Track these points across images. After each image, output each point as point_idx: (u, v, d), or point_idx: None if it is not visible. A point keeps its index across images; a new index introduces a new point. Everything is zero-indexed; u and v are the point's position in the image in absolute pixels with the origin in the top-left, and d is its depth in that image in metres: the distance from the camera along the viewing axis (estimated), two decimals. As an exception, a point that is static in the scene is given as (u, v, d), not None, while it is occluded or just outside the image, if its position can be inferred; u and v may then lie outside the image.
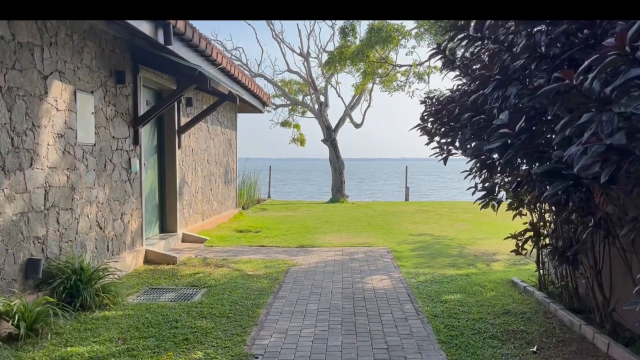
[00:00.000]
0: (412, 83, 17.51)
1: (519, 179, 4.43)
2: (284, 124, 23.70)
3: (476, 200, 6.47)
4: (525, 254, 6.24)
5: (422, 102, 5.08)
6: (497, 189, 5.26)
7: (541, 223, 5.91)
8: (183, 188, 10.14)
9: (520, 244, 6.24)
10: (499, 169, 4.14)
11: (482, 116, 3.59)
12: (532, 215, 6.26)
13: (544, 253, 6.10)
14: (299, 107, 23.24)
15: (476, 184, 6.54)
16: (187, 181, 10.40)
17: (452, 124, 4.35)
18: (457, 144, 4.42)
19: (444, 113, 4.30)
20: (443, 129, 4.57)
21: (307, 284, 6.73)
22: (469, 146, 4.02)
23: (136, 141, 7.91)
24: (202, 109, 10.73)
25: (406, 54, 18.86)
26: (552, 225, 5.35)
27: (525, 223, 6.32)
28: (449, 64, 4.87)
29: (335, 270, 7.55)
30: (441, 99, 4.92)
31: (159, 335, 4.69)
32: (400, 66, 16.24)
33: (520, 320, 5.15)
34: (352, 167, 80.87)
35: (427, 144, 5.00)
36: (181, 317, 5.23)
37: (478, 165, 4.44)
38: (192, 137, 10.71)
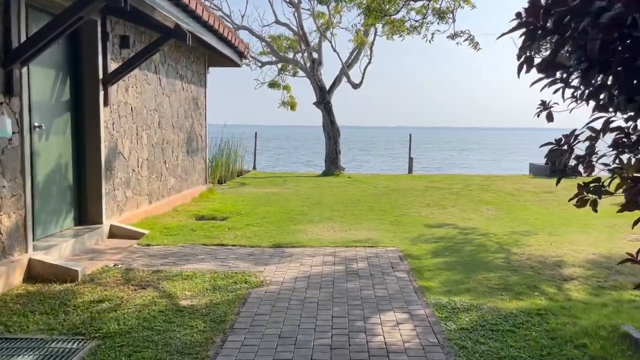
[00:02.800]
0: (430, 24, 14.08)
1: None
2: (272, 84, 20.62)
3: (572, 198, 3.72)
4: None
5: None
6: None
7: None
8: (114, 161, 7.26)
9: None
10: None
11: None
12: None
13: None
14: (289, 66, 20.16)
15: (565, 164, 3.78)
16: (123, 152, 7.51)
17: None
18: None
19: None
20: None
21: (272, 333, 3.94)
22: None
23: (9, 89, 5.00)
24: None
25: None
26: None
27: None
28: None
29: (322, 298, 4.76)
30: None
31: None
32: (415, 1, 12.85)
33: None
34: (349, 134, 77.31)
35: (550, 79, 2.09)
36: None
37: None
38: (131, 92, 7.78)
